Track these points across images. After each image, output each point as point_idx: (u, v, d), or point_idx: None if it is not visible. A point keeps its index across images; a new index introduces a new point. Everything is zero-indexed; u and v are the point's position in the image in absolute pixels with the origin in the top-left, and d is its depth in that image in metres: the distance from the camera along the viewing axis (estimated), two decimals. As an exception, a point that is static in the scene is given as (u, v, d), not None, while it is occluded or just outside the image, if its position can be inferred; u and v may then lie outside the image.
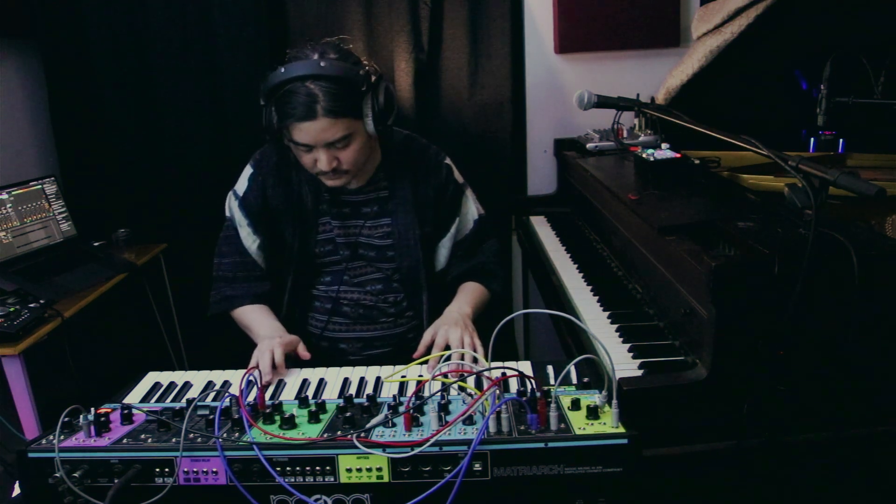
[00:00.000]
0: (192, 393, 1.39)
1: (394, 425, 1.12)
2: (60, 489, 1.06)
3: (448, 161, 1.80)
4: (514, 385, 1.30)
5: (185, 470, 1.08)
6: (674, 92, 2.43)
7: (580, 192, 2.37)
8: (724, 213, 1.53)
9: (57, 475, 1.06)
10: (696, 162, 1.88)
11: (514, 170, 2.81)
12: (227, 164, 2.65)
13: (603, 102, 2.20)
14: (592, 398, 1.14)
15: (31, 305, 2.06)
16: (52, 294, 2.17)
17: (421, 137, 1.84)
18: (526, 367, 1.38)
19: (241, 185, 1.74)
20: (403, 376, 1.41)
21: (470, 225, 1.81)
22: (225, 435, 1.10)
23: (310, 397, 1.26)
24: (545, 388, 1.14)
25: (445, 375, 1.26)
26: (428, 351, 1.51)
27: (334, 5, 2.63)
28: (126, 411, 1.19)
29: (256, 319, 1.67)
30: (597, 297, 1.73)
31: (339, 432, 1.10)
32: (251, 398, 1.20)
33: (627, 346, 1.44)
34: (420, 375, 1.41)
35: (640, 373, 1.33)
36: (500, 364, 1.34)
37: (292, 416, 1.14)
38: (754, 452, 1.24)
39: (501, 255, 1.88)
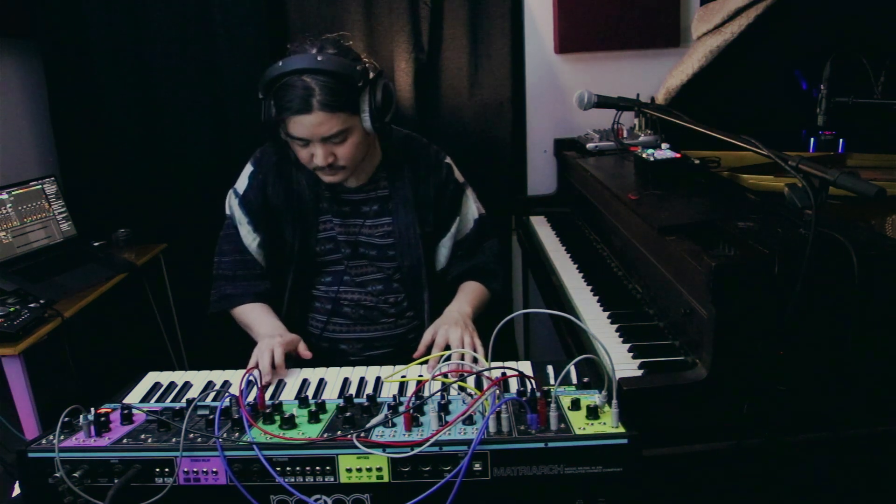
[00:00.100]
0: (192, 393, 1.39)
1: (394, 425, 1.12)
2: (60, 489, 1.06)
3: (448, 160, 1.80)
4: (514, 385, 1.30)
5: (185, 470, 1.08)
6: (674, 92, 2.43)
7: (580, 192, 2.37)
8: (724, 213, 1.53)
9: (57, 475, 1.06)
10: (696, 162, 1.88)
11: (514, 170, 2.81)
12: (227, 164, 2.65)
13: (603, 102, 2.20)
14: (592, 398, 1.14)
15: (31, 305, 2.06)
16: (52, 294, 2.17)
17: (421, 137, 1.84)
18: (526, 367, 1.38)
19: (242, 183, 1.74)
20: (403, 376, 1.41)
21: (470, 224, 1.81)
22: (225, 435, 1.10)
23: (310, 397, 1.26)
24: (545, 388, 1.14)
25: (445, 375, 1.26)
26: (428, 350, 1.51)
27: (334, 5, 2.63)
28: (126, 411, 1.19)
29: (257, 318, 1.67)
30: (597, 297, 1.73)
31: (339, 432, 1.10)
32: (251, 398, 1.20)
33: (627, 346, 1.44)
34: (420, 375, 1.41)
35: (640, 373, 1.33)
36: (500, 364, 1.34)
37: (292, 416, 1.14)
38: (754, 452, 1.24)
39: (502, 254, 1.88)
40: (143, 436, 1.13)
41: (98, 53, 2.64)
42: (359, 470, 1.06)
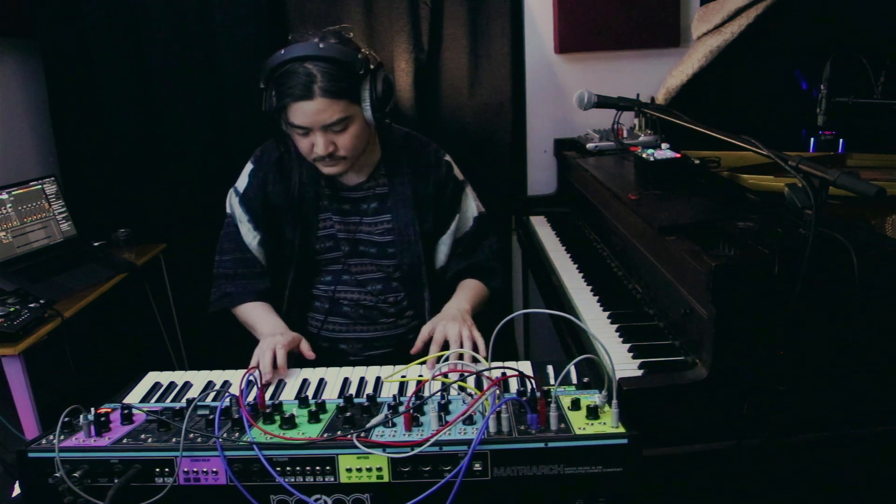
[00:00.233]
0: (192, 393, 1.39)
1: (394, 425, 1.12)
2: (60, 489, 1.06)
3: (448, 158, 1.81)
4: (514, 385, 1.30)
5: (185, 470, 1.08)
6: (674, 92, 2.43)
7: (580, 192, 2.37)
8: (724, 213, 1.53)
9: (57, 475, 1.06)
10: (696, 162, 1.88)
11: (514, 170, 2.81)
12: (227, 164, 2.65)
13: (603, 102, 2.20)
14: (592, 398, 1.14)
15: (31, 305, 2.06)
16: (52, 294, 2.17)
17: (421, 135, 1.84)
18: (526, 367, 1.38)
19: (242, 181, 1.74)
20: (403, 376, 1.41)
21: (470, 222, 1.81)
22: (225, 435, 1.10)
23: (310, 397, 1.26)
24: (545, 388, 1.14)
25: (445, 375, 1.25)
26: (426, 346, 1.52)
27: (334, 5, 2.63)
28: (126, 411, 1.19)
29: (259, 317, 1.68)
30: (597, 297, 1.73)
31: (339, 432, 1.10)
32: (251, 398, 1.20)
33: (627, 346, 1.44)
34: (420, 375, 1.41)
35: (640, 373, 1.33)
36: (500, 364, 1.34)
37: (292, 416, 1.14)
38: (754, 452, 1.24)
39: (501, 252, 1.88)
40: (143, 436, 1.13)
41: (98, 53, 2.64)
42: (359, 470, 1.06)
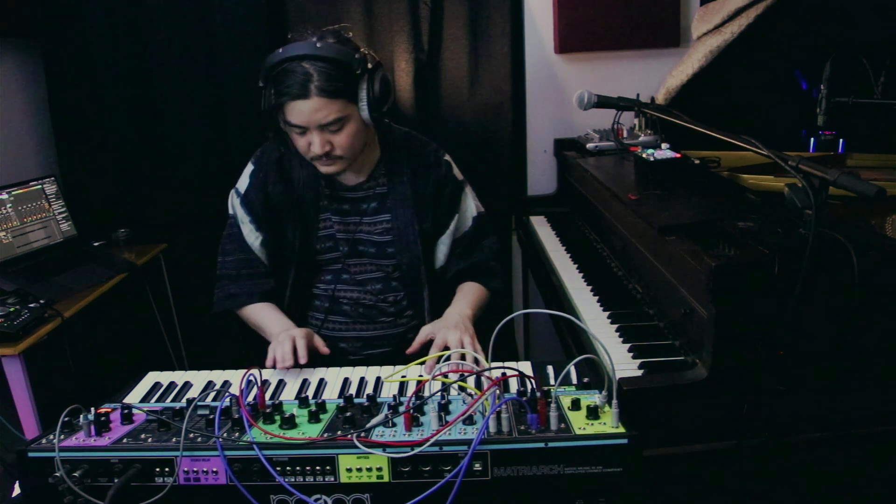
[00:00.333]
0: (192, 393, 1.39)
1: (394, 425, 1.12)
2: (60, 489, 1.06)
3: (447, 158, 1.81)
4: (514, 385, 1.30)
5: (185, 470, 1.08)
6: (674, 92, 2.43)
7: (580, 192, 2.38)
8: (724, 213, 1.53)
9: (57, 475, 1.06)
10: (696, 162, 1.88)
11: (514, 170, 2.81)
12: (227, 164, 2.66)
13: (603, 102, 2.20)
14: (592, 398, 1.14)
15: (31, 305, 2.06)
16: (52, 294, 2.17)
17: (420, 135, 1.84)
18: (526, 367, 1.38)
19: (243, 182, 1.74)
20: (403, 376, 1.41)
21: (469, 222, 1.81)
22: (225, 435, 1.10)
23: (310, 397, 1.26)
24: (545, 388, 1.14)
25: (445, 375, 1.25)
26: (423, 348, 1.52)
27: (334, 5, 2.63)
28: (126, 411, 1.19)
29: (266, 317, 1.68)
30: (597, 297, 1.73)
31: (339, 432, 1.10)
32: (251, 398, 1.20)
33: (627, 346, 1.44)
34: (420, 375, 1.41)
35: (640, 373, 1.33)
36: (500, 364, 1.34)
37: (292, 416, 1.14)
38: (754, 452, 1.24)
39: (501, 252, 1.88)
40: (143, 435, 1.13)
41: (98, 53, 2.64)
42: (359, 470, 1.06)
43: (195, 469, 1.08)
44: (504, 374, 1.21)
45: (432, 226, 1.77)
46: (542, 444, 1.05)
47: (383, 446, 1.06)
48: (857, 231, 1.34)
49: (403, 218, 1.73)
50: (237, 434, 1.11)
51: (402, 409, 1.13)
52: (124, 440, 1.12)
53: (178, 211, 2.77)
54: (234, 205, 1.74)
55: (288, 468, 1.07)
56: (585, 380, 1.25)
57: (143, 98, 2.70)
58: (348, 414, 1.14)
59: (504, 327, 1.13)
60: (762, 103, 2.34)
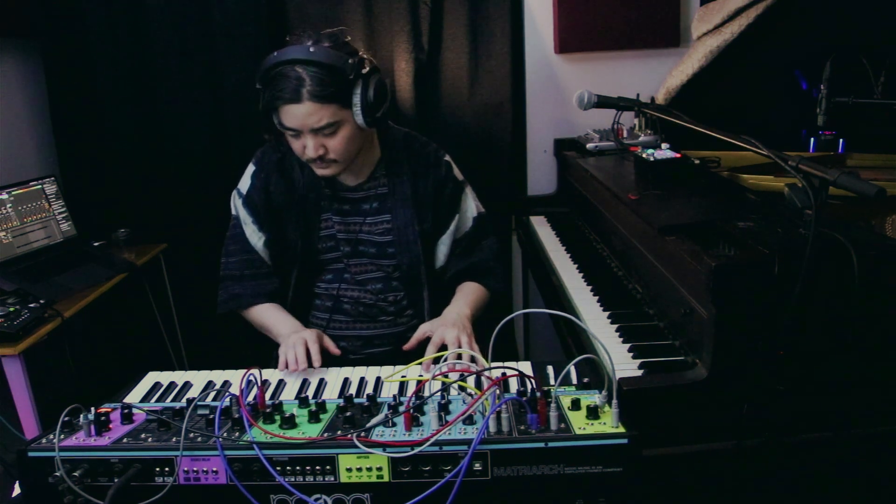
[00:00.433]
0: (192, 393, 1.39)
1: (394, 425, 1.12)
2: (60, 488, 1.06)
3: (447, 158, 1.81)
4: (514, 385, 1.30)
5: (186, 469, 1.08)
6: (674, 92, 2.43)
7: (580, 192, 2.38)
8: (724, 213, 1.53)
9: (57, 474, 1.06)
10: (696, 162, 1.88)
11: (514, 170, 2.81)
12: (227, 164, 2.66)
13: (603, 102, 2.20)
14: (592, 398, 1.14)
15: (31, 305, 2.05)
16: (52, 294, 2.17)
17: (420, 135, 1.84)
18: (526, 367, 1.38)
19: (245, 183, 1.74)
20: (403, 376, 1.41)
21: (469, 223, 1.81)
22: (225, 434, 1.10)
23: (310, 397, 1.26)
24: (545, 388, 1.14)
25: (446, 375, 1.25)
26: (420, 345, 1.52)
27: (334, 5, 2.63)
28: (126, 411, 1.19)
29: (273, 318, 1.69)
30: (597, 297, 1.74)
31: (339, 432, 1.10)
32: (251, 398, 1.20)
33: (627, 346, 1.44)
34: (420, 375, 1.41)
35: (640, 373, 1.33)
36: (500, 364, 1.34)
37: (292, 416, 1.14)
38: (754, 452, 1.24)
39: (501, 253, 1.89)
40: (143, 435, 1.13)
41: (98, 53, 2.64)
42: (359, 469, 1.06)
43: (195, 469, 1.08)
44: (504, 373, 1.21)
45: (432, 226, 1.77)
46: (542, 444, 1.05)
47: (383, 446, 1.06)
48: (857, 231, 1.34)
49: (403, 218, 1.73)
50: (237, 434, 1.11)
51: (402, 408, 1.13)
52: (124, 440, 1.12)
53: (178, 211, 2.77)
54: (237, 206, 1.75)
55: (288, 468, 1.07)
56: (585, 380, 1.25)
57: (143, 98, 2.70)
58: (348, 414, 1.14)
59: (504, 327, 1.13)
60: (762, 103, 2.33)
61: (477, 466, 1.05)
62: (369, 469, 1.06)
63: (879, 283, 1.21)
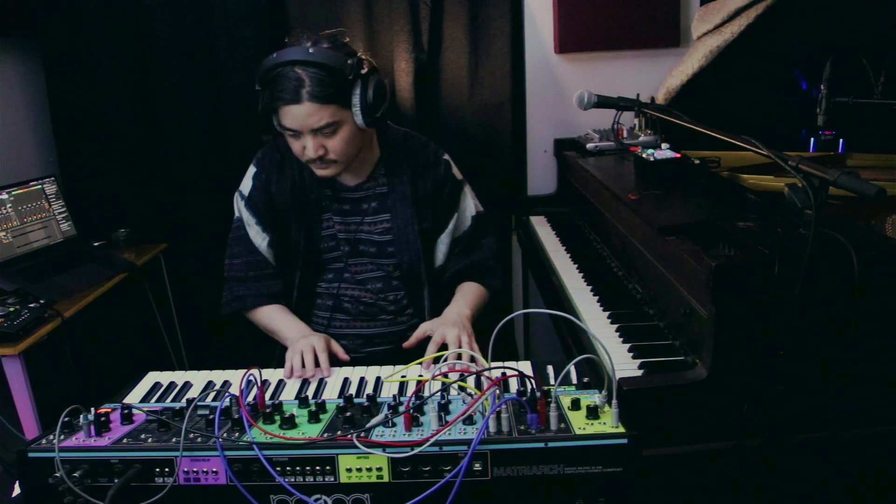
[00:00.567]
0: (192, 393, 1.39)
1: (394, 425, 1.12)
2: (60, 489, 1.06)
3: (447, 157, 1.81)
4: (514, 385, 1.30)
5: (185, 470, 1.08)
6: (674, 92, 2.43)
7: (580, 192, 2.38)
8: (724, 213, 1.53)
9: (57, 475, 1.06)
10: (696, 162, 1.88)
11: (514, 170, 2.81)
12: (227, 164, 2.66)
13: (603, 102, 2.20)
14: (592, 398, 1.14)
15: (31, 305, 2.06)
16: (52, 294, 2.17)
17: (420, 135, 1.84)
18: (526, 367, 1.38)
19: (246, 184, 1.75)
20: (403, 376, 1.41)
21: (468, 221, 1.81)
22: (225, 435, 1.10)
23: (310, 397, 1.26)
24: (545, 387, 1.14)
25: (445, 375, 1.25)
26: (420, 345, 1.52)
27: (334, 5, 2.63)
28: (126, 411, 1.19)
29: (280, 320, 1.69)
30: (597, 297, 1.74)
31: (339, 432, 1.10)
32: (251, 398, 1.20)
33: (627, 346, 1.44)
34: (420, 375, 1.41)
35: (640, 373, 1.33)
36: (500, 364, 1.34)
37: (292, 416, 1.14)
38: (754, 452, 1.24)
39: (500, 251, 1.89)
40: (143, 436, 1.13)
41: (98, 53, 2.64)
42: (359, 470, 1.06)
43: (195, 469, 1.08)
44: (504, 373, 1.21)
45: (432, 225, 1.77)
46: (541, 444, 1.05)
47: (383, 446, 1.06)
48: (857, 231, 1.34)
49: (403, 217, 1.73)
50: (237, 434, 1.11)
51: (401, 409, 1.13)
52: (124, 440, 1.12)
53: (178, 211, 2.77)
54: (239, 207, 1.75)
55: (288, 468, 1.07)
56: (585, 380, 1.25)
57: (143, 98, 2.70)
58: (348, 414, 1.14)
59: (504, 327, 1.13)
60: (762, 103, 2.33)
61: (477, 466, 1.05)
62: (369, 469, 1.06)
63: (879, 283, 1.21)
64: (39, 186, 2.51)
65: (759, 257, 1.23)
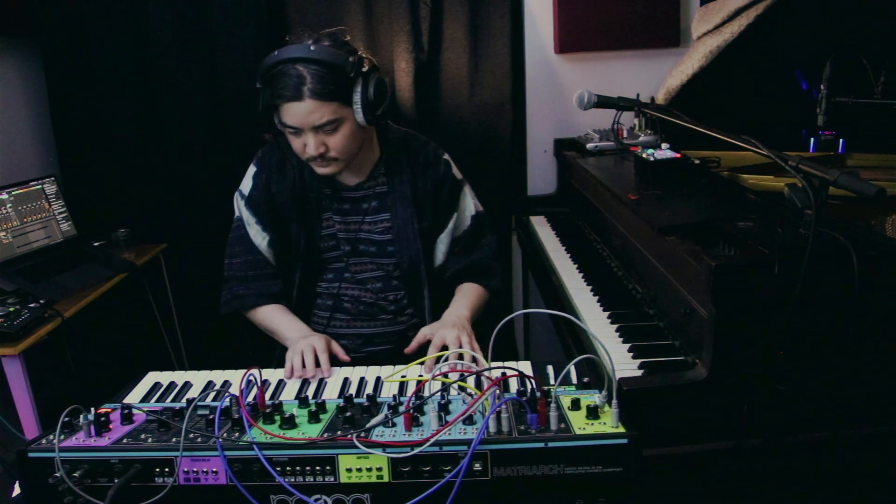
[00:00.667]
0: (192, 393, 1.39)
1: (394, 425, 1.12)
2: (60, 489, 1.06)
3: (446, 156, 1.81)
4: (514, 385, 1.30)
5: (185, 470, 1.08)
6: (674, 92, 2.43)
7: (580, 192, 2.38)
8: (724, 213, 1.53)
9: (57, 475, 1.06)
10: (696, 162, 1.88)
11: (514, 170, 2.81)
12: (227, 164, 2.66)
13: (603, 102, 2.20)
14: (592, 398, 1.14)
15: (31, 305, 2.06)
16: (52, 294, 2.17)
17: (420, 134, 1.85)
18: (526, 367, 1.38)
19: (246, 184, 1.75)
20: (403, 376, 1.41)
21: (467, 221, 1.82)
22: (225, 435, 1.10)
23: (310, 397, 1.26)
24: (545, 387, 1.14)
25: (446, 375, 1.25)
26: (421, 349, 1.52)
27: (334, 5, 2.63)
28: (126, 411, 1.19)
29: (280, 320, 1.69)
30: (597, 297, 1.74)
31: (339, 432, 1.10)
32: (251, 398, 1.20)
33: (627, 346, 1.44)
34: (420, 375, 1.41)
35: (640, 373, 1.33)
36: (500, 364, 1.34)
37: (292, 416, 1.14)
38: (754, 452, 1.24)
39: (499, 251, 1.89)
40: (143, 436, 1.13)
41: (98, 53, 2.64)
42: (359, 470, 1.06)
43: (195, 469, 1.08)
44: (504, 374, 1.22)
45: (432, 224, 1.77)
46: (541, 444, 1.05)
47: (383, 446, 1.06)
48: (857, 231, 1.34)
49: (403, 217, 1.73)
50: (237, 434, 1.11)
51: (402, 409, 1.13)
52: (124, 440, 1.12)
53: (178, 211, 2.77)
54: (240, 207, 1.75)
55: (288, 468, 1.07)
56: (585, 380, 1.25)
57: (143, 98, 2.69)
58: (348, 414, 1.14)
59: (504, 327, 1.13)
60: (762, 103, 2.33)
61: (477, 466, 1.05)
62: (369, 469, 1.06)
63: (879, 283, 1.21)
64: (39, 186, 2.51)
65: (759, 257, 1.23)
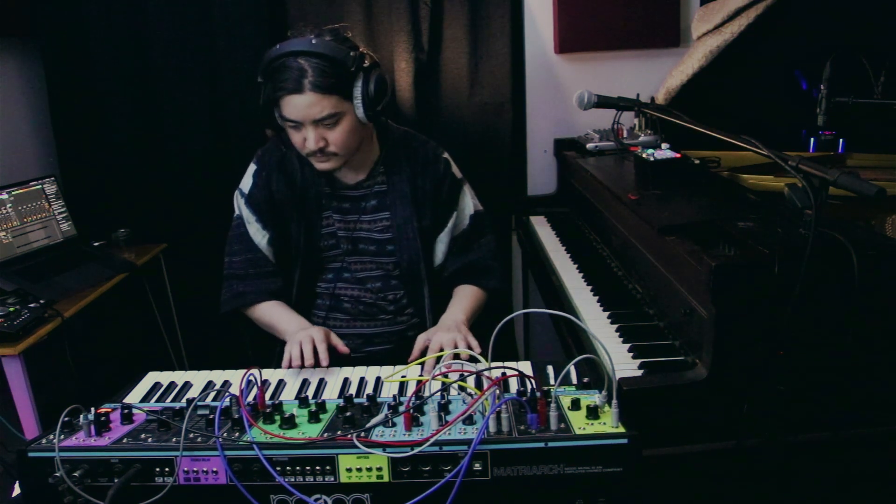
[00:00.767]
0: (192, 393, 1.39)
1: (394, 425, 1.12)
2: (60, 489, 1.06)
3: (446, 155, 1.81)
4: (514, 385, 1.30)
5: (185, 469, 1.08)
6: (674, 92, 2.43)
7: (580, 192, 2.38)
8: (724, 213, 1.53)
9: (57, 475, 1.06)
10: (696, 162, 1.88)
11: (514, 170, 2.81)
12: (227, 164, 2.66)
13: (603, 102, 2.20)
14: (592, 398, 1.14)
15: (31, 305, 2.05)
16: (52, 294, 2.17)
17: (419, 133, 1.85)
18: (526, 367, 1.38)
19: (246, 182, 1.75)
20: (403, 376, 1.41)
21: (467, 220, 1.82)
22: (225, 434, 1.10)
23: (310, 397, 1.26)
24: (545, 387, 1.14)
25: (445, 375, 1.25)
26: (422, 355, 1.52)
27: (334, 5, 2.63)
28: (126, 411, 1.19)
29: (279, 315, 1.69)
30: (597, 297, 1.74)
31: (339, 432, 1.10)
32: (251, 398, 1.20)
33: (627, 346, 1.44)
34: (420, 375, 1.41)
35: (640, 373, 1.33)
36: (500, 364, 1.34)
37: (292, 416, 1.14)
38: (754, 452, 1.24)
39: (499, 251, 1.89)
40: (143, 435, 1.13)
41: (98, 53, 2.64)
42: (359, 470, 1.06)
43: (195, 469, 1.08)
44: (504, 374, 1.21)
45: (431, 223, 1.77)
46: (542, 444, 1.05)
47: (383, 446, 1.06)
48: (857, 231, 1.34)
49: (403, 215, 1.73)
50: (237, 434, 1.11)
51: (402, 408, 1.13)
52: (124, 440, 1.12)
53: (178, 211, 2.77)
54: (240, 205, 1.75)
55: (288, 468, 1.07)
56: (585, 380, 1.25)
57: (143, 98, 2.69)
58: (348, 414, 1.14)
59: (504, 327, 1.13)
60: (762, 103, 2.33)
61: (477, 466, 1.05)
62: (369, 469, 1.06)
63: (879, 283, 1.21)
64: (39, 186, 2.51)
65: (759, 257, 1.23)
